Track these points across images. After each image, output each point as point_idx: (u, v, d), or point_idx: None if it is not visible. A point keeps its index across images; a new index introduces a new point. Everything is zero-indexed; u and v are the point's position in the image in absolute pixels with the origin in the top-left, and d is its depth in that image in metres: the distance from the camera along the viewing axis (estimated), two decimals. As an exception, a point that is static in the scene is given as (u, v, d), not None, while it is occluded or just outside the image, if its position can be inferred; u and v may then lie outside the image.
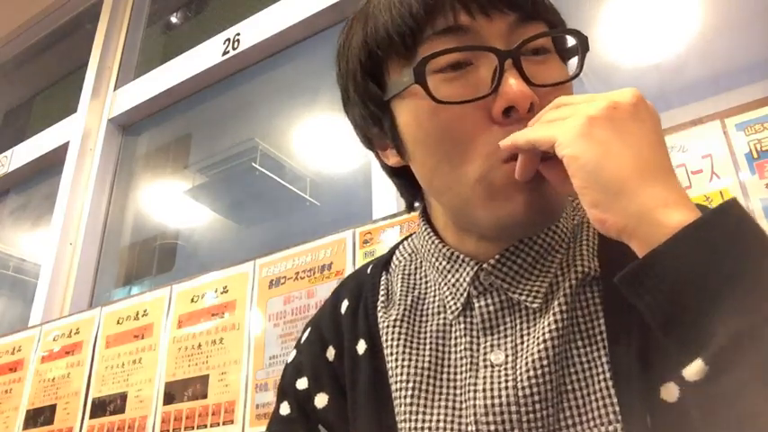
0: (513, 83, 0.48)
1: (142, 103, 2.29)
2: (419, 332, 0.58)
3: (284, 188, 1.98)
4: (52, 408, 1.69)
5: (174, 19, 2.68)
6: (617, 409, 0.47)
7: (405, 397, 0.54)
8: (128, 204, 2.29)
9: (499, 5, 0.50)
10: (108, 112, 2.37)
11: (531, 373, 0.50)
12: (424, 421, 0.53)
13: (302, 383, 0.64)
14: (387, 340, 0.59)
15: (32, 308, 2.06)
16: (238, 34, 2.07)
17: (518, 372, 0.51)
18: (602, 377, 0.49)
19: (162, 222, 2.27)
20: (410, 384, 0.55)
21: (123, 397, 1.56)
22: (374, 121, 0.57)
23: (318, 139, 1.97)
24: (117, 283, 2.16)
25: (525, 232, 0.54)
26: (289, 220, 1.96)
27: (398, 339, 0.58)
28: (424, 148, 0.53)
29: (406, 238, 0.69)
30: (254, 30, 2.03)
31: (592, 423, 0.48)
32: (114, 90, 2.43)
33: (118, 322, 1.68)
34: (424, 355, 0.56)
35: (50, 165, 2.49)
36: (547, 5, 0.53)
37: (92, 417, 1.60)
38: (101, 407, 1.60)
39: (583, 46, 0.52)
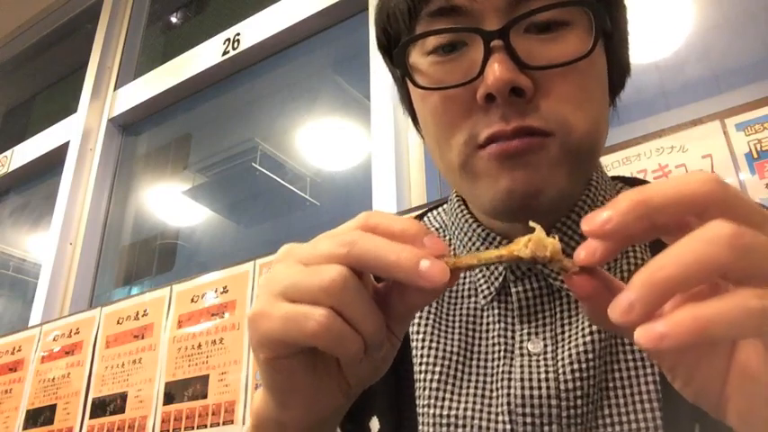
0: (495, 68, 0.43)
1: (142, 103, 2.29)
2: (447, 314, 0.54)
3: (284, 188, 1.98)
4: (52, 408, 1.69)
5: (174, 19, 2.68)
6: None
7: (431, 381, 0.50)
8: (128, 204, 2.29)
9: None
10: (108, 112, 2.37)
11: (576, 366, 0.46)
12: (450, 408, 0.49)
13: None
14: (413, 319, 0.54)
15: (32, 308, 2.06)
16: (238, 34, 2.07)
17: (559, 363, 0.47)
18: (650, 378, 0.45)
19: (162, 222, 2.26)
20: (437, 368, 0.50)
21: (123, 397, 1.56)
22: (401, 92, 0.57)
23: (318, 139, 1.97)
24: (117, 283, 2.16)
25: (521, 215, 0.46)
26: (289, 220, 1.96)
27: (426, 319, 0.53)
28: (423, 129, 0.53)
29: (431, 209, 0.64)
30: (254, 30, 2.03)
31: (633, 425, 0.44)
32: (114, 90, 2.43)
33: (118, 322, 1.68)
34: (453, 339, 0.52)
35: (50, 165, 2.49)
36: None
37: (92, 417, 1.60)
38: (101, 407, 1.59)
39: (597, 19, 0.45)
